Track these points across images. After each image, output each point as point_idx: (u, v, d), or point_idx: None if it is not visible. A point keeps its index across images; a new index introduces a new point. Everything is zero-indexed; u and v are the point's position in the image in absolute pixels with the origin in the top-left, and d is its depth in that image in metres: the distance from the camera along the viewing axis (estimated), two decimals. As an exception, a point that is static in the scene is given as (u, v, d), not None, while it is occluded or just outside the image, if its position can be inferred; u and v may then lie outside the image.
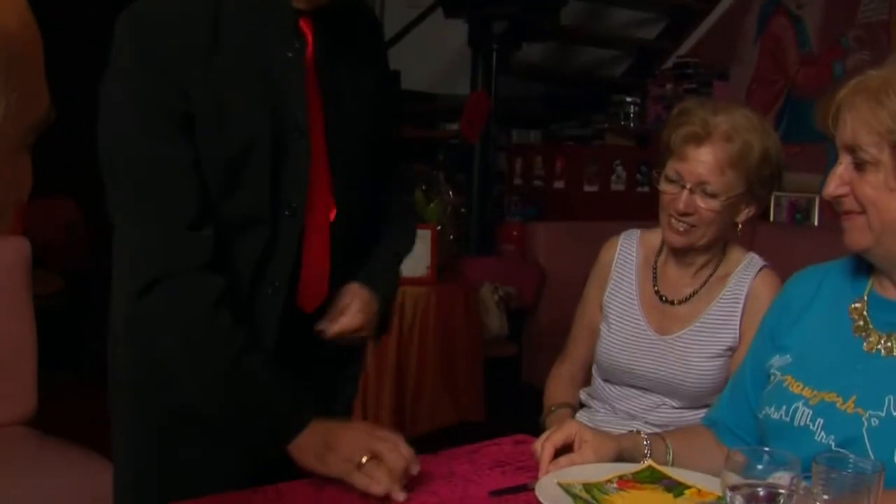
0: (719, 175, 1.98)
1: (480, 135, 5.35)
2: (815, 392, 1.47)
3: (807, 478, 1.18)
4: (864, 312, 1.50)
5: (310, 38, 1.63)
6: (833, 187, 1.45)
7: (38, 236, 3.05)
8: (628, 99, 6.00)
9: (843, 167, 1.44)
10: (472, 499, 1.46)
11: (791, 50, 5.37)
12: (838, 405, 1.43)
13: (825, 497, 1.11)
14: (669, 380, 2.06)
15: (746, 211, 2.06)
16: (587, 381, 2.26)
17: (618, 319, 2.14)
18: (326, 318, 1.72)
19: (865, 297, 1.52)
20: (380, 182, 1.83)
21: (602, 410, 2.17)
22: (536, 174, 5.70)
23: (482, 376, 4.15)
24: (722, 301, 2.07)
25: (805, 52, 5.31)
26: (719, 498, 1.43)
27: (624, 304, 2.16)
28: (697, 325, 2.07)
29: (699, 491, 1.49)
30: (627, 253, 2.20)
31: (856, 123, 1.41)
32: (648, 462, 1.58)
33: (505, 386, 4.52)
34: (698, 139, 1.99)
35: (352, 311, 1.72)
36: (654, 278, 2.16)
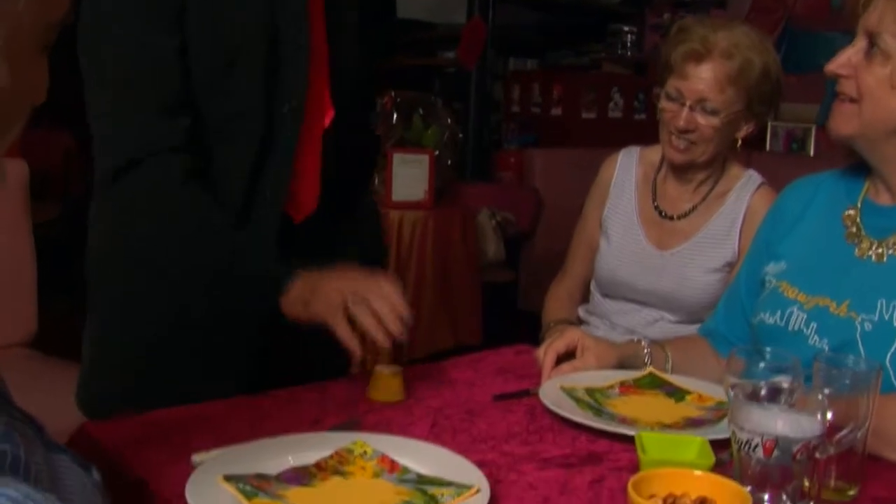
0: (719, 92, 1.99)
1: (477, 62, 5.32)
2: (810, 297, 1.49)
3: (806, 380, 1.21)
4: (858, 219, 1.52)
5: None
6: (837, 65, 1.44)
7: (36, 165, 3.02)
8: (626, 28, 5.96)
9: (855, 50, 1.43)
10: (475, 402, 1.49)
11: (790, -21, 5.33)
12: (832, 309, 1.45)
13: (826, 392, 1.13)
14: (668, 293, 2.08)
15: (746, 128, 2.07)
16: (585, 298, 2.29)
17: (617, 234, 2.16)
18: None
19: (859, 204, 1.53)
20: (360, 181, 1.81)
21: (601, 326, 2.19)
22: (534, 101, 5.68)
23: (480, 300, 4.19)
24: (721, 216, 2.09)
25: (804, -19, 5.26)
26: (719, 403, 1.46)
27: (623, 220, 2.17)
28: (696, 239, 2.09)
29: (699, 396, 1.52)
30: (627, 169, 2.21)
31: (886, 11, 1.39)
32: (650, 369, 1.61)
33: (502, 312, 4.56)
34: (698, 56, 1.99)
35: None
36: (654, 194, 2.17)
